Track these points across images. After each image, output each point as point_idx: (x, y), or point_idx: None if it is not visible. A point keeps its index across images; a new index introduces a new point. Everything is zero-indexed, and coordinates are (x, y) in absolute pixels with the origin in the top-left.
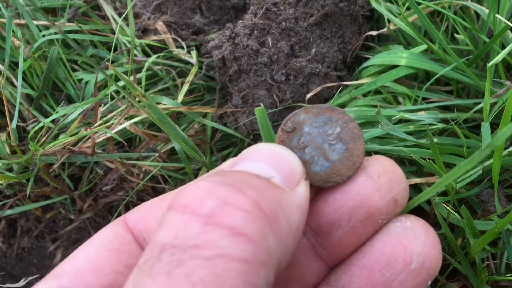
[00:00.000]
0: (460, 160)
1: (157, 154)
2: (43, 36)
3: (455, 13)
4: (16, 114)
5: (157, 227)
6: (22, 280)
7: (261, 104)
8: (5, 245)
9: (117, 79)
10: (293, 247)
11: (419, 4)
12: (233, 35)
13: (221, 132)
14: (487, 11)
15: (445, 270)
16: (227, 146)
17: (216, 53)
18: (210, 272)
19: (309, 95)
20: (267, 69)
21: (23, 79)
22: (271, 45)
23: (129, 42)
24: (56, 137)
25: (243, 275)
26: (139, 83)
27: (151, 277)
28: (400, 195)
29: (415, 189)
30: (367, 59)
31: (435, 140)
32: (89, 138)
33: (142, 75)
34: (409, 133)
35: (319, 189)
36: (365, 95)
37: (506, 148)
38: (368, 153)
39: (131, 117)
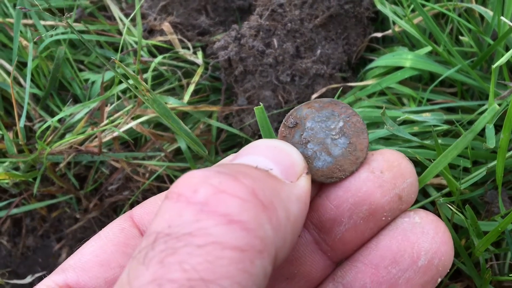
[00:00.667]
0: (464, 161)
1: (162, 154)
2: (50, 36)
3: (459, 15)
4: (24, 113)
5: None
6: (29, 277)
7: (260, 103)
8: (10, 244)
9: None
10: (292, 239)
11: (424, 6)
12: (239, 36)
13: (226, 132)
14: (491, 13)
15: (449, 271)
16: (232, 146)
17: (222, 54)
18: (202, 260)
19: (314, 96)
20: (273, 70)
21: (30, 79)
22: (276, 46)
23: (136, 43)
24: (62, 136)
25: (237, 263)
26: (145, 83)
27: (144, 266)
28: (406, 191)
29: (419, 190)
30: (371, 60)
31: (439, 141)
32: (96, 137)
33: (148, 75)
34: (414, 134)
35: (322, 185)
36: (369, 96)
37: (510, 150)
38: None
39: (138, 116)
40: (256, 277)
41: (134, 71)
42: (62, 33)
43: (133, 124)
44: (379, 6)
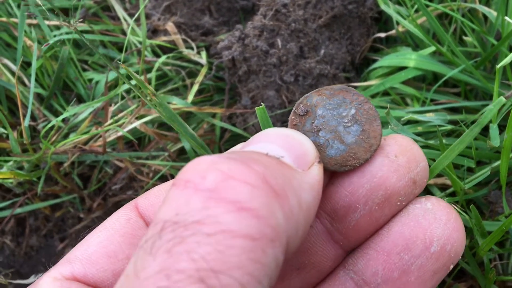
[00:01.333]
0: (468, 161)
1: (166, 154)
2: (55, 36)
3: (463, 16)
4: (28, 113)
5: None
6: (32, 276)
7: (262, 103)
8: (13, 243)
9: (127, 78)
10: (305, 228)
11: (427, 6)
12: (243, 36)
13: (230, 132)
14: (495, 13)
15: (452, 271)
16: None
17: (226, 54)
18: (212, 249)
19: None
20: (276, 70)
21: (34, 78)
22: (280, 46)
23: (140, 43)
24: (66, 136)
25: (248, 252)
26: (149, 83)
27: (152, 256)
28: (419, 176)
29: (424, 190)
30: (375, 60)
31: (443, 141)
32: (100, 137)
33: (152, 75)
34: (418, 134)
35: (333, 173)
36: (373, 96)
37: None
38: None
39: (141, 116)
40: (268, 267)
41: (138, 71)
42: (66, 33)
43: (137, 124)
44: (383, 6)
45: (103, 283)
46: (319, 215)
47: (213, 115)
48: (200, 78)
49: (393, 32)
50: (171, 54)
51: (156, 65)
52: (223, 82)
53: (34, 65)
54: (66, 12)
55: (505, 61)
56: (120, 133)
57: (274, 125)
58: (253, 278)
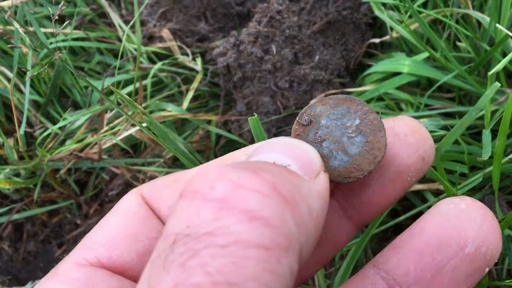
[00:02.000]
0: (461, 167)
1: (162, 160)
2: (51, 43)
3: (457, 22)
4: (24, 120)
5: (168, 218)
6: (29, 283)
7: (255, 114)
8: (11, 249)
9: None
10: (315, 236)
11: (421, 12)
12: (238, 42)
13: (225, 138)
14: (488, 19)
15: None
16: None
17: (220, 60)
18: (227, 261)
19: (312, 102)
20: (271, 76)
21: (30, 85)
22: (275, 53)
23: (135, 50)
24: (62, 143)
25: (263, 263)
26: (145, 89)
27: (165, 271)
28: (428, 153)
29: (417, 195)
30: (370, 66)
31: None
32: (96, 144)
33: (148, 81)
34: None
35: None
36: (368, 101)
37: (506, 155)
38: None
39: (140, 122)
40: (283, 277)
41: (133, 78)
42: (63, 41)
43: (132, 131)
44: (377, 12)
45: (128, 265)
46: (333, 193)
47: (209, 122)
48: (195, 84)
49: (387, 37)
50: (166, 61)
51: (152, 72)
52: (218, 88)
53: (30, 72)
54: (62, 20)
55: (497, 67)
56: (115, 140)
57: (269, 131)
58: None
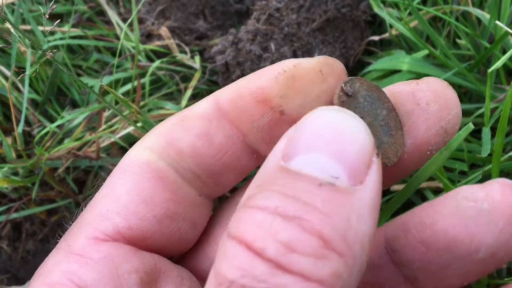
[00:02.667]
0: (460, 165)
1: None
2: (48, 42)
3: (456, 19)
4: (22, 119)
5: (216, 257)
6: (28, 282)
7: None
8: (10, 248)
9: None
10: (364, 266)
11: (420, 10)
12: (236, 40)
13: None
14: (488, 16)
15: None
16: None
17: (219, 58)
18: None
19: None
20: None
21: (29, 84)
22: (274, 50)
23: (134, 48)
24: (61, 141)
25: None
26: (143, 88)
27: None
28: (451, 123)
29: (417, 194)
30: (369, 64)
31: None
32: (94, 142)
33: (146, 80)
34: None
35: None
36: None
37: (505, 153)
38: None
39: (135, 121)
40: None
41: (131, 76)
42: (60, 39)
43: (130, 129)
44: (376, 10)
45: (149, 232)
46: None
47: None
48: (193, 82)
49: (386, 35)
50: (165, 59)
51: (150, 70)
52: (217, 86)
53: (28, 70)
54: (60, 18)
55: (497, 64)
56: (113, 139)
57: None
58: None
